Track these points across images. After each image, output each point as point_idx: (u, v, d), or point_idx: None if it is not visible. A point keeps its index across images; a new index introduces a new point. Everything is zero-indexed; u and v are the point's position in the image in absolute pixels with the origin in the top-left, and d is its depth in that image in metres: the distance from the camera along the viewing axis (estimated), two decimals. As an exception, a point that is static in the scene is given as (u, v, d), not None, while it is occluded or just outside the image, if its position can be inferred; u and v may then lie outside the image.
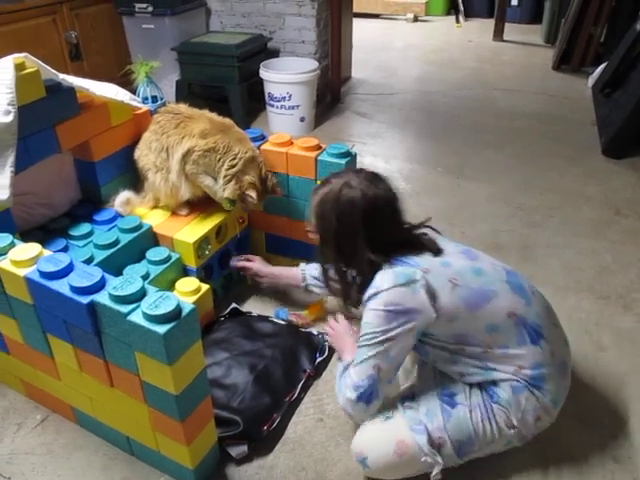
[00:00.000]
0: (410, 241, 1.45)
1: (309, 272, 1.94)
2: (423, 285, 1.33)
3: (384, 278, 1.36)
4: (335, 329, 1.69)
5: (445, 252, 1.44)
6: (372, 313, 1.36)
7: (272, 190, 2.03)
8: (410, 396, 1.49)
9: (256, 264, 2.08)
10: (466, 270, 1.40)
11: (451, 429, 1.38)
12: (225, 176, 1.93)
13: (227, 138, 1.95)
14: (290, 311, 2.07)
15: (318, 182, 2.03)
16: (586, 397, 1.78)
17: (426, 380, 1.52)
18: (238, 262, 2.12)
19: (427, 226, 1.53)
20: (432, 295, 1.34)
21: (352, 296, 1.53)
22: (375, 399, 1.41)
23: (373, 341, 1.35)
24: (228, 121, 2.06)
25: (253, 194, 1.94)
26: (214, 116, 2.06)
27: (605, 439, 1.64)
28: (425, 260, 1.40)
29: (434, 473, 1.39)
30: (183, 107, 2.09)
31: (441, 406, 1.41)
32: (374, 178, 1.45)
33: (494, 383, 1.39)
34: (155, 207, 2.11)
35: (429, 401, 1.44)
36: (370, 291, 1.37)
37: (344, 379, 1.45)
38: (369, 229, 1.39)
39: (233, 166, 1.93)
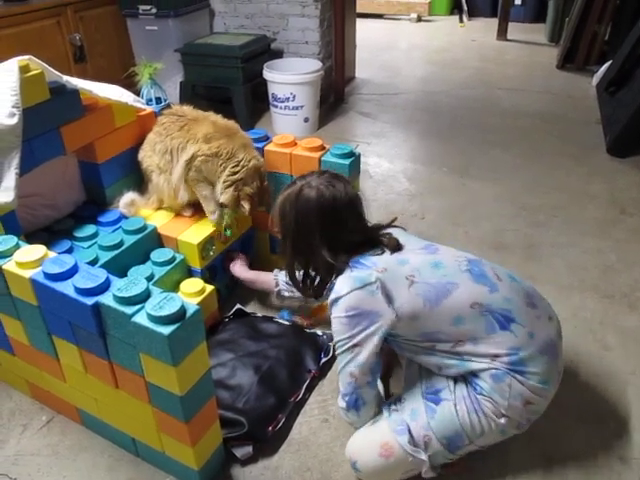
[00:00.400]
0: (370, 241, 1.46)
1: (281, 278, 1.95)
2: (379, 287, 1.35)
3: (342, 283, 1.38)
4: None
5: (405, 249, 1.45)
6: (336, 321, 1.38)
7: (266, 204, 2.01)
8: (397, 399, 1.51)
9: (236, 267, 2.09)
10: (424, 265, 1.40)
11: (435, 426, 1.38)
12: (225, 181, 1.92)
13: (232, 143, 1.95)
14: (294, 312, 2.07)
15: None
16: (590, 396, 1.77)
17: (411, 380, 1.53)
18: (225, 261, 2.13)
19: (394, 226, 1.56)
20: (389, 295, 1.35)
21: (310, 289, 1.57)
22: (363, 405, 1.43)
23: (343, 349, 1.38)
24: (233, 125, 2.05)
25: (246, 206, 1.93)
26: (219, 119, 2.05)
27: (610, 439, 1.64)
28: (382, 260, 1.41)
29: (423, 470, 1.40)
30: (187, 109, 2.09)
31: (425, 404, 1.42)
32: (334, 179, 1.46)
33: (474, 374, 1.38)
34: (159, 208, 2.11)
35: (413, 401, 1.45)
36: (331, 297, 1.39)
37: None
38: (325, 228, 1.43)
39: (235, 173, 1.92)
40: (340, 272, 1.42)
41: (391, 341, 1.45)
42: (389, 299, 1.35)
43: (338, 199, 1.42)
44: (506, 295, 1.39)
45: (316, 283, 1.55)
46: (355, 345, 1.36)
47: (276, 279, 1.96)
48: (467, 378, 1.40)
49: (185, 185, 1.99)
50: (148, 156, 2.05)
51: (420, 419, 1.40)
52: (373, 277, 1.35)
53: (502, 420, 1.36)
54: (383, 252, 1.43)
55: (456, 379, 1.43)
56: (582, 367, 1.86)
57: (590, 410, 1.72)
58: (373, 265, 1.39)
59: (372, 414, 1.47)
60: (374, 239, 1.47)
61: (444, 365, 1.41)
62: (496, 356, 1.35)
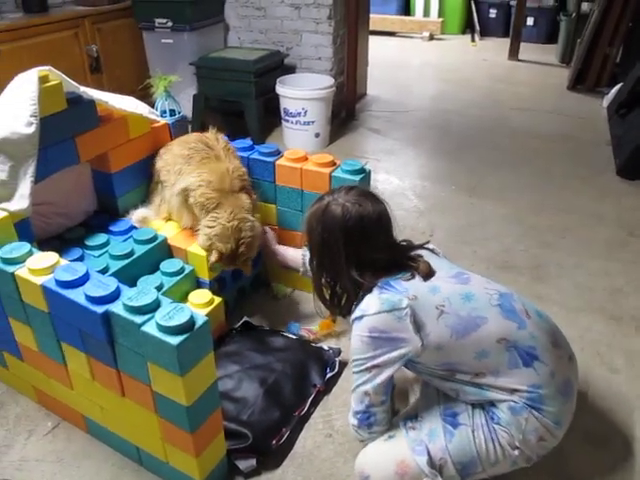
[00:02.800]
0: (400, 263, 1.43)
1: (309, 257, 1.88)
2: (408, 313, 1.32)
3: (370, 303, 1.35)
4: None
5: (436, 276, 1.41)
6: (357, 338, 1.36)
7: (242, 265, 1.96)
8: (413, 416, 1.49)
9: (268, 236, 2.11)
10: (455, 296, 1.37)
11: (453, 450, 1.37)
12: (202, 229, 1.92)
13: (220, 199, 1.92)
14: (301, 326, 2.08)
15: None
16: (598, 419, 1.76)
17: (429, 399, 1.51)
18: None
19: (425, 248, 1.52)
20: (418, 324, 1.33)
21: (338, 307, 1.54)
22: (375, 423, 1.43)
23: (361, 368, 1.37)
24: (237, 182, 1.98)
25: (212, 258, 1.89)
26: (234, 170, 2.00)
27: (616, 462, 1.63)
28: (413, 286, 1.37)
29: None
30: (219, 144, 2.08)
31: (443, 426, 1.41)
32: (362, 196, 1.42)
33: (492, 404, 1.38)
34: (169, 220, 2.13)
35: (432, 421, 1.44)
36: (356, 314, 1.37)
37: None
38: (350, 247, 1.39)
39: (210, 227, 1.90)
40: (368, 291, 1.39)
41: (409, 365, 1.43)
42: (417, 327, 1.33)
43: (365, 217, 1.38)
44: (533, 332, 1.37)
45: (343, 301, 1.51)
46: (374, 367, 1.35)
47: (303, 259, 1.94)
48: (485, 406, 1.40)
49: (186, 211, 2.01)
50: (167, 170, 2.06)
51: (438, 441, 1.38)
52: (404, 303, 1.32)
53: (515, 452, 1.36)
54: (414, 277, 1.39)
55: (474, 404, 1.42)
56: (589, 390, 1.86)
57: (596, 432, 1.72)
58: (404, 291, 1.35)
59: (383, 431, 1.46)
60: (403, 260, 1.43)
61: (462, 391, 1.40)
62: (516, 391, 1.34)
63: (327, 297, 1.55)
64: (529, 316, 1.40)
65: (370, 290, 1.39)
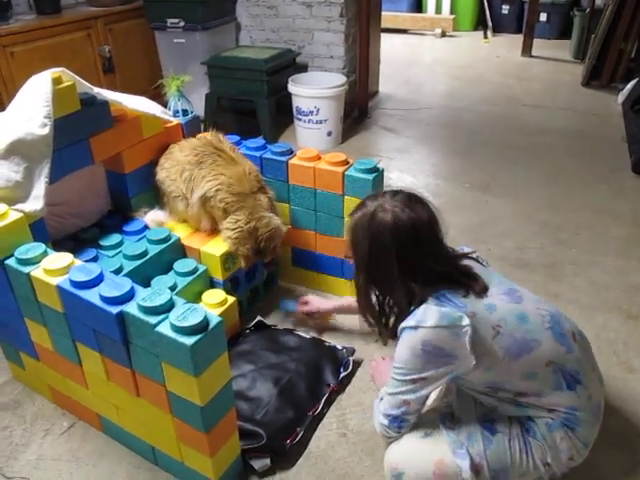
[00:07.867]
0: (453, 275, 1.35)
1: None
2: (468, 332, 1.25)
3: (427, 314, 1.28)
4: (377, 368, 1.75)
5: (489, 292, 1.34)
6: (407, 349, 1.30)
7: (270, 254, 2.04)
8: (449, 415, 1.46)
9: (315, 304, 2.05)
10: (510, 315, 1.32)
11: (490, 456, 1.35)
12: (224, 233, 1.98)
13: (242, 202, 1.96)
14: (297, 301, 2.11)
15: (346, 198, 2.05)
16: (615, 420, 1.74)
17: (466, 402, 1.48)
18: (298, 308, 2.09)
19: (471, 257, 1.46)
20: (474, 343, 1.27)
21: (388, 327, 1.46)
22: (406, 426, 1.41)
23: (405, 378, 1.33)
24: (253, 183, 2.01)
25: (242, 264, 2.02)
26: (252, 170, 2.04)
27: (637, 464, 1.61)
28: (471, 302, 1.30)
29: None
30: (228, 145, 2.09)
31: (482, 432, 1.38)
32: (410, 201, 1.34)
33: (530, 418, 1.36)
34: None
35: (470, 424, 1.40)
36: (409, 322, 1.30)
37: (378, 406, 1.44)
38: (403, 256, 1.30)
39: (233, 229, 1.95)
40: (420, 304, 1.31)
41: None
42: (475, 346, 1.27)
43: (417, 222, 1.30)
44: (578, 356, 1.36)
45: (392, 320, 1.44)
46: (420, 379, 1.31)
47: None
48: (521, 418, 1.38)
49: (206, 216, 2.02)
50: (172, 179, 2.05)
51: (477, 446, 1.36)
52: (465, 321, 1.26)
53: (545, 468, 1.35)
54: (468, 293, 1.32)
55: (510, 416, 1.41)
56: (607, 390, 1.81)
57: (615, 434, 1.69)
58: (463, 307, 1.28)
59: (409, 429, 1.42)
60: (458, 274, 1.35)
61: (500, 407, 1.39)
62: (554, 410, 1.34)
63: (377, 315, 1.47)
64: (575, 339, 1.38)
65: (423, 302, 1.31)
